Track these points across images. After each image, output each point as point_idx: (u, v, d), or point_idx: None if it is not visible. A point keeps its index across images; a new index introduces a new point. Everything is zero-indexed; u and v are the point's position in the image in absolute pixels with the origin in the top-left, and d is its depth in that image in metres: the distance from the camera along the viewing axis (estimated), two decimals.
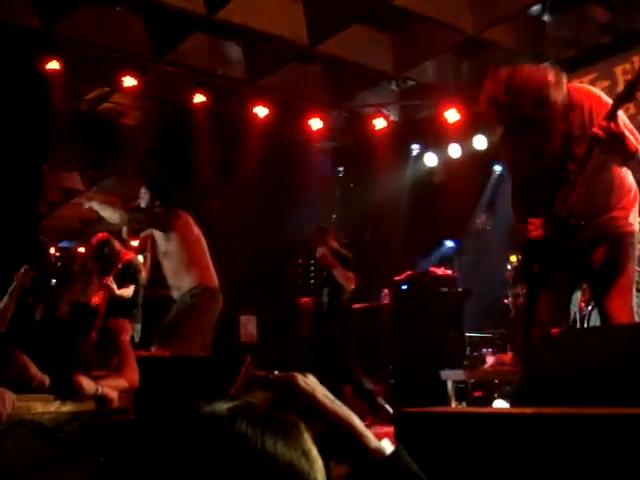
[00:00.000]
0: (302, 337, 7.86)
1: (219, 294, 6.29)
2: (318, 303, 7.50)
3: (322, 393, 1.22)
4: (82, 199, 6.23)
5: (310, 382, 1.23)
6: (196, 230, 6.38)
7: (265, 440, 0.90)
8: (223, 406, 0.94)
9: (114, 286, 6.67)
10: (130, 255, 7.06)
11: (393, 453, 1.20)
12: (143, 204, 6.38)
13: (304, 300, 7.78)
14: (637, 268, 3.75)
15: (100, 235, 7.03)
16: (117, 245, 7.02)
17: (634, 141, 3.39)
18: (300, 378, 1.23)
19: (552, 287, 3.64)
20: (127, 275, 6.95)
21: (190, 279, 6.16)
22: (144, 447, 0.90)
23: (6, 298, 5.20)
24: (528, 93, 3.45)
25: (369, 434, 1.21)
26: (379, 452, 1.19)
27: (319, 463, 0.96)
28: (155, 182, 6.56)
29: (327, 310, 7.46)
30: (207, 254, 6.37)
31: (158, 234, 6.42)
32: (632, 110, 8.28)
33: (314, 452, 0.96)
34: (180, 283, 6.20)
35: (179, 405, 0.96)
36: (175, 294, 6.29)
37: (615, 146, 3.28)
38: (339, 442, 1.19)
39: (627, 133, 3.30)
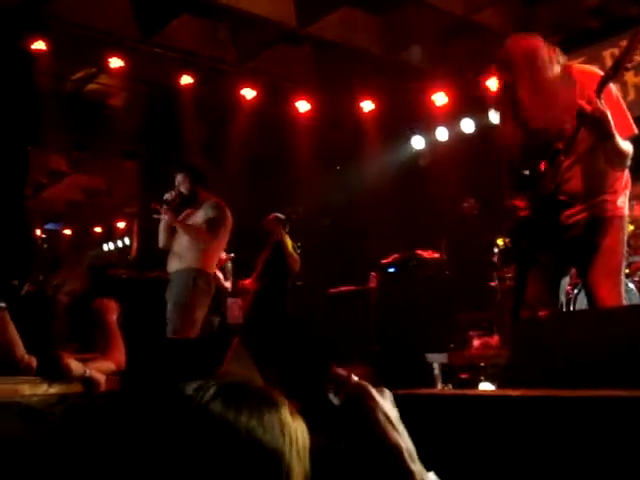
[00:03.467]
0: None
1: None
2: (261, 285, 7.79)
3: (384, 413, 1.17)
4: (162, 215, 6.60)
5: (380, 399, 1.18)
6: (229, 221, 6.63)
7: (241, 420, 0.92)
8: (204, 387, 0.95)
9: None
10: None
11: None
12: (185, 190, 6.63)
13: (246, 282, 7.96)
14: (626, 252, 3.76)
15: None
16: None
17: (622, 124, 3.41)
18: (373, 391, 1.19)
19: (541, 269, 3.65)
20: None
21: (195, 258, 6.38)
22: (124, 428, 0.94)
23: None
24: (521, 53, 3.48)
25: (417, 467, 1.16)
26: None
27: (299, 442, 0.98)
28: (192, 168, 6.85)
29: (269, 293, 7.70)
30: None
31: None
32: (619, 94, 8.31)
33: (292, 431, 0.97)
34: (185, 253, 6.40)
35: (163, 387, 0.96)
36: (172, 264, 6.46)
37: (597, 122, 3.29)
38: (384, 468, 1.13)
39: (609, 115, 3.30)
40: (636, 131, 3.58)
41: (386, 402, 1.18)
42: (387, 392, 1.20)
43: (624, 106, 3.59)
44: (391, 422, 1.16)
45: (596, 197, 3.60)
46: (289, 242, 7.87)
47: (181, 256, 6.43)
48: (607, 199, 3.60)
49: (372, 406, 1.15)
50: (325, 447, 1.12)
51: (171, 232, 6.62)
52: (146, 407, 0.94)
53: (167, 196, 6.59)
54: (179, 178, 6.69)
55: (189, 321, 6.20)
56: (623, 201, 3.64)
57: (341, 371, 1.19)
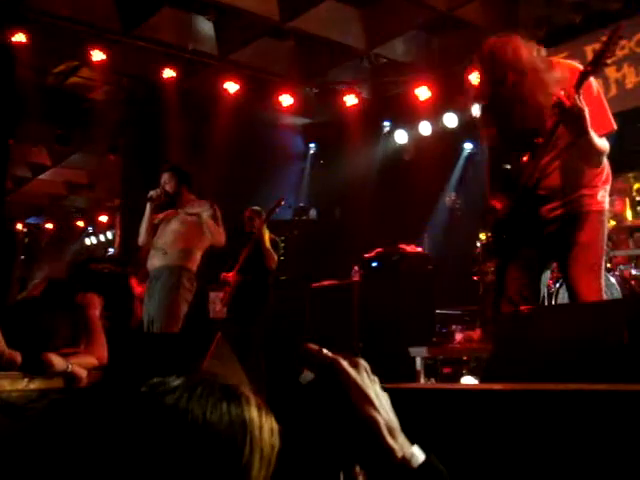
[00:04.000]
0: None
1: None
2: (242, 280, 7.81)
3: (358, 385, 1.09)
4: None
5: (353, 371, 1.10)
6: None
7: (196, 412, 0.91)
8: (166, 382, 0.94)
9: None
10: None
11: (424, 464, 1.08)
12: (170, 189, 6.70)
13: (227, 275, 7.96)
14: (606, 247, 3.78)
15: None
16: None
17: (601, 120, 3.42)
18: (344, 364, 1.10)
19: (522, 264, 3.67)
20: None
21: (180, 256, 6.48)
22: (85, 422, 0.92)
23: None
24: (500, 55, 3.49)
25: (397, 443, 1.08)
26: (408, 461, 1.07)
27: (264, 440, 0.97)
28: (178, 169, 6.93)
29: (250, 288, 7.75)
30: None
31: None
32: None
33: (255, 427, 0.96)
34: (170, 250, 6.47)
35: (130, 382, 0.97)
36: (156, 261, 6.52)
37: (574, 118, 3.30)
38: (364, 443, 1.07)
39: (587, 112, 3.31)
40: (615, 127, 3.59)
41: (361, 374, 1.10)
42: (362, 364, 1.12)
43: (605, 102, 3.60)
44: (366, 395, 1.09)
45: (575, 192, 3.62)
46: (267, 238, 7.81)
47: (165, 252, 6.47)
48: (586, 193, 3.62)
49: (343, 379, 1.09)
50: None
51: (152, 229, 6.66)
52: (104, 402, 0.94)
53: (152, 193, 6.62)
54: (165, 177, 6.74)
55: (174, 319, 6.27)
56: (603, 196, 3.65)
57: (312, 346, 1.14)
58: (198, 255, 6.69)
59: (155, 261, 6.53)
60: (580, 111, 3.25)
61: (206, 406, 0.92)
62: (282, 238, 8.51)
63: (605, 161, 3.66)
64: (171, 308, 6.31)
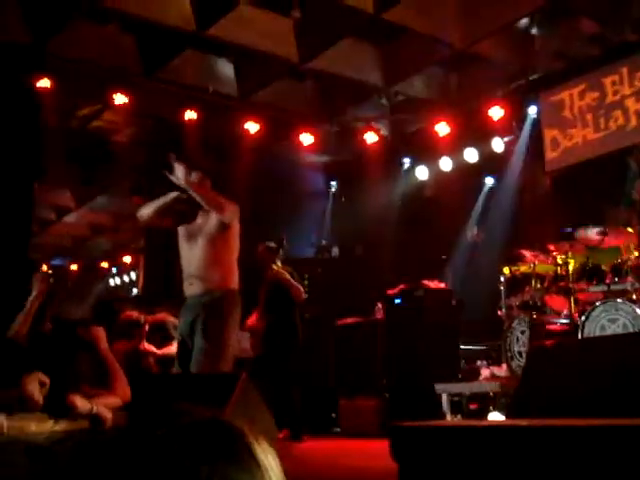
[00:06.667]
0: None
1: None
2: (268, 321, 7.67)
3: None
4: None
5: None
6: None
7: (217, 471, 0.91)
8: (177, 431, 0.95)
9: (153, 349, 6.85)
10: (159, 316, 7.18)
11: None
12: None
13: (250, 321, 7.79)
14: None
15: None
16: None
17: None
18: None
19: None
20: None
21: (219, 276, 5.28)
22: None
23: (25, 310, 4.89)
24: None
25: None
26: None
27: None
28: (210, 171, 5.89)
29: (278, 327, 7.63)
30: None
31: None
32: (621, 120, 8.34)
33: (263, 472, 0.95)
34: (208, 276, 5.25)
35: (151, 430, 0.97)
36: (195, 287, 5.27)
37: None
38: None
39: None
40: None
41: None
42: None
43: None
44: None
45: None
46: (285, 272, 7.69)
47: (200, 277, 5.31)
48: None
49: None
50: None
51: (162, 214, 5.58)
52: (126, 450, 0.94)
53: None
54: (194, 177, 5.54)
55: (226, 357, 5.11)
56: None
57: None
58: (234, 264, 5.48)
59: (193, 287, 5.36)
60: None
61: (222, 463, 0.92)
62: (305, 276, 8.49)
63: None
64: (220, 345, 5.10)
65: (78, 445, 1.04)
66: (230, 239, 5.42)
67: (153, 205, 5.58)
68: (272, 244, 7.79)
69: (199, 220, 5.46)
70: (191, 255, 5.35)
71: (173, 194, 5.52)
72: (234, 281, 5.35)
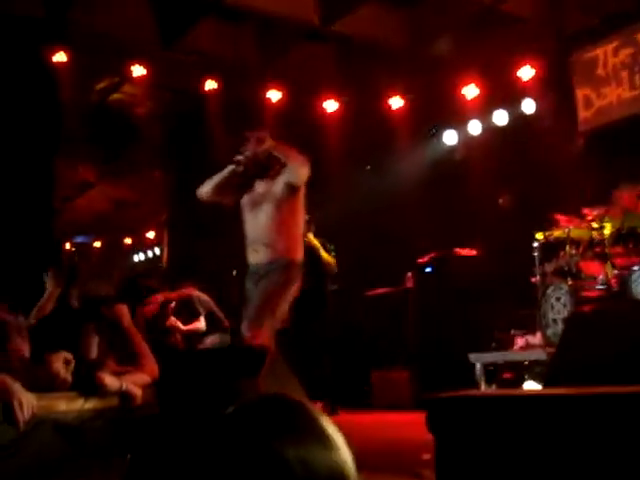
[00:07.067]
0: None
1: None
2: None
3: None
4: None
5: None
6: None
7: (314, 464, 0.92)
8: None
9: (180, 325, 6.98)
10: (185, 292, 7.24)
11: None
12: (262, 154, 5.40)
13: None
14: None
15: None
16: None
17: None
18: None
19: None
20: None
21: (284, 245, 5.21)
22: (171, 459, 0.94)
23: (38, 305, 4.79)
24: None
25: None
26: None
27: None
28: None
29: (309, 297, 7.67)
30: None
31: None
32: None
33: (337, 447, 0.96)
34: (274, 243, 5.17)
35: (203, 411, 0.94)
36: (261, 254, 5.19)
37: None
38: None
39: None
40: None
41: None
42: None
43: None
44: None
45: None
46: (318, 244, 7.74)
47: (265, 243, 5.22)
48: None
49: None
50: None
51: (222, 189, 5.43)
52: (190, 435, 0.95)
53: (240, 158, 5.33)
54: (256, 137, 5.38)
55: (271, 325, 5.10)
56: None
57: None
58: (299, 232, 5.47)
59: (258, 255, 5.27)
60: None
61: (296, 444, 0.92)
62: (331, 247, 8.39)
63: None
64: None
65: (108, 423, 1.04)
66: (297, 202, 5.36)
67: (211, 182, 5.47)
68: (306, 216, 7.79)
69: (260, 189, 5.33)
70: (255, 222, 5.26)
71: (230, 167, 5.38)
72: (299, 252, 5.30)
